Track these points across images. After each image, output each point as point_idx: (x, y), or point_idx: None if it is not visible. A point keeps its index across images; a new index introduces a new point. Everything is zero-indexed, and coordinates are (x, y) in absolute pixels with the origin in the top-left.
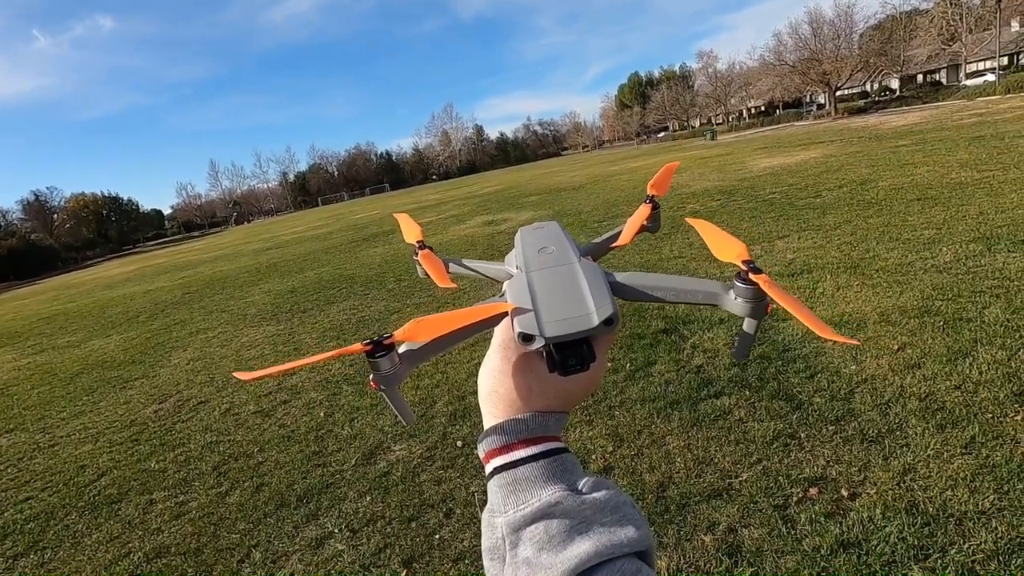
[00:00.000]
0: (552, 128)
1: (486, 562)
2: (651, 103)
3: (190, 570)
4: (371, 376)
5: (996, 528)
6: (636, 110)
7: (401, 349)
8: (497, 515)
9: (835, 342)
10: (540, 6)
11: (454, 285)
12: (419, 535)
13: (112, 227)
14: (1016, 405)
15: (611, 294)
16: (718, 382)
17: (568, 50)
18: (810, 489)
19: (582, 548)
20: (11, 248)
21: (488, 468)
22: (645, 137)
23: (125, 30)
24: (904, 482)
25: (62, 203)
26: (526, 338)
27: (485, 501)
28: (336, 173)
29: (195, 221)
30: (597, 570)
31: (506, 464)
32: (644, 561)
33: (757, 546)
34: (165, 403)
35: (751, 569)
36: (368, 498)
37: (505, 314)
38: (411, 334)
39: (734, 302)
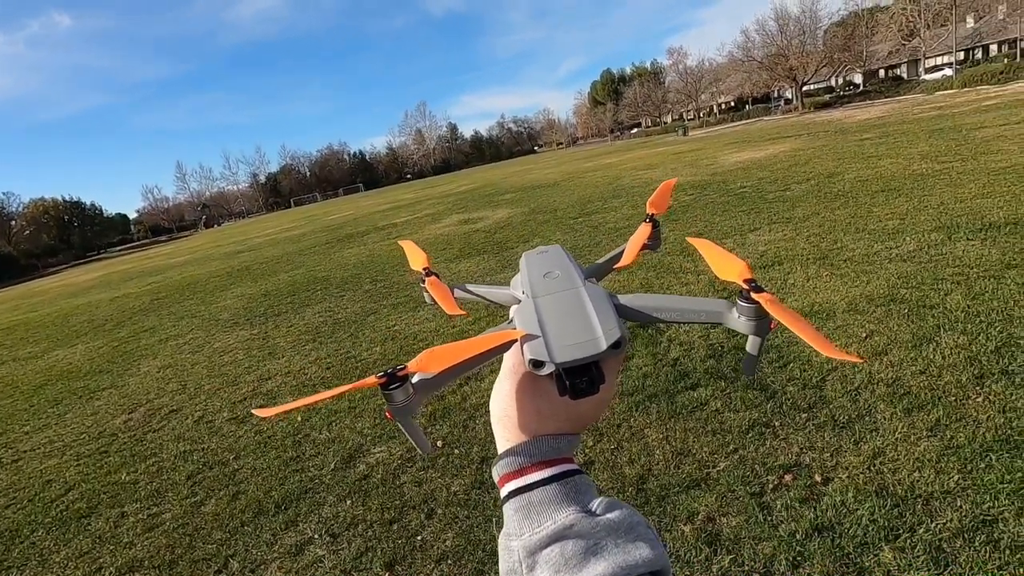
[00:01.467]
0: (526, 125)
1: None
2: (624, 100)
3: None
4: (386, 407)
5: (961, 507)
6: (609, 107)
7: (415, 379)
8: (513, 539)
9: (843, 360)
10: (510, 0)
11: (463, 312)
12: (401, 537)
13: (75, 233)
14: (977, 387)
15: (618, 317)
16: (694, 374)
17: (540, 46)
18: (785, 476)
19: (598, 569)
20: None
21: (503, 492)
22: (619, 134)
23: (83, 27)
24: (874, 465)
25: (20, 209)
26: (536, 364)
27: (469, 502)
28: (308, 174)
29: (163, 225)
30: None
31: (520, 488)
32: None
33: (735, 534)
34: (135, 413)
35: (730, 556)
36: (348, 502)
37: (515, 340)
38: (424, 365)
39: (737, 320)
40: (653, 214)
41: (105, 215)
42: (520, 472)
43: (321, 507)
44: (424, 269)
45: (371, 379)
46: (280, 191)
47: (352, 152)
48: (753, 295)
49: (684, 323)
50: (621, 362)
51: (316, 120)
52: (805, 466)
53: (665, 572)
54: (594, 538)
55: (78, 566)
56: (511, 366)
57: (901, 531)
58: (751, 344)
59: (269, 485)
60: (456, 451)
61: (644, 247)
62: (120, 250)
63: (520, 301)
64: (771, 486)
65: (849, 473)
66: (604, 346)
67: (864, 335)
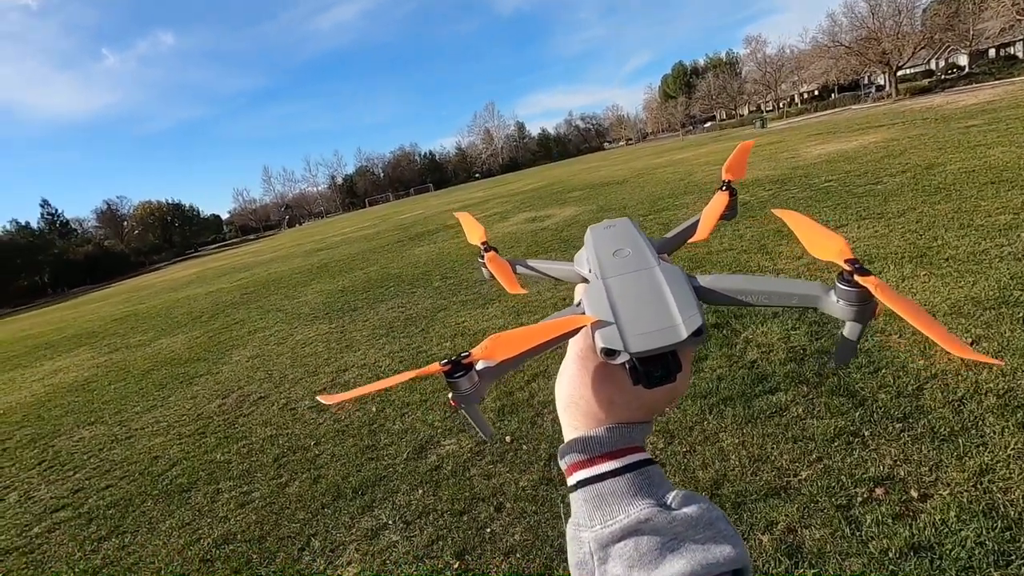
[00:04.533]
0: (594, 122)
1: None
2: (696, 92)
3: (255, 556)
4: (450, 395)
5: None
6: (681, 100)
7: (479, 366)
8: (583, 530)
9: (971, 360)
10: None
11: (524, 291)
12: (471, 528)
13: (176, 232)
14: None
15: (697, 301)
16: (773, 378)
17: (608, 43)
18: (876, 489)
19: (676, 567)
20: (87, 254)
21: (571, 480)
22: (691, 127)
23: (183, 44)
24: (981, 483)
25: (131, 211)
26: (609, 353)
27: (537, 497)
28: (382, 175)
29: (251, 225)
30: None
31: (591, 477)
32: None
33: (819, 547)
34: (228, 398)
35: (813, 570)
36: (420, 491)
37: (584, 326)
38: (489, 352)
39: (836, 305)
40: (730, 180)
41: (201, 216)
42: (590, 461)
43: (395, 495)
44: (483, 243)
45: (435, 366)
46: (355, 192)
47: (422, 153)
48: (858, 278)
49: (772, 307)
50: (695, 349)
51: (389, 123)
52: (899, 480)
53: (747, 571)
54: (671, 534)
55: (181, 535)
56: (579, 351)
57: (1014, 556)
58: (849, 331)
59: (347, 471)
60: (524, 447)
61: (721, 217)
62: (214, 248)
63: (584, 279)
64: (860, 499)
65: (951, 490)
66: (684, 335)
67: (970, 340)
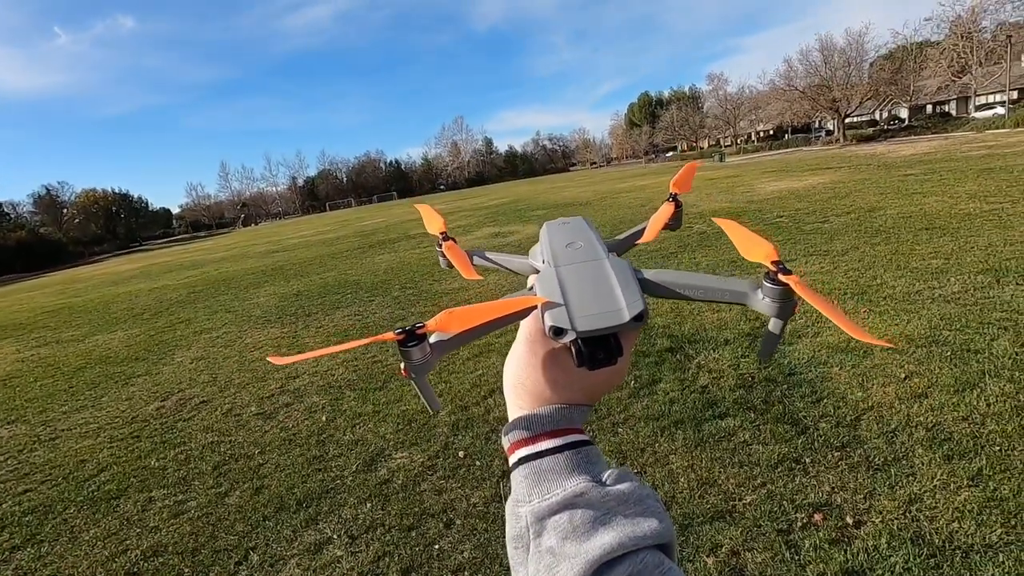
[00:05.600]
0: (561, 143)
1: (510, 550)
2: (660, 122)
3: (187, 570)
4: (402, 364)
5: (1003, 563)
6: (645, 129)
7: (432, 339)
8: (522, 504)
9: (873, 346)
10: (553, 23)
11: (479, 277)
12: (418, 544)
13: (121, 224)
14: None
15: (641, 290)
16: (723, 403)
17: (579, 67)
18: (815, 515)
19: (606, 539)
20: (19, 240)
21: (512, 459)
22: (653, 156)
23: (145, 30)
24: (910, 512)
25: (72, 198)
26: (557, 332)
27: (488, 515)
28: (345, 179)
29: (203, 221)
30: (620, 561)
31: (531, 455)
32: (666, 554)
33: (760, 570)
34: (167, 401)
35: None
36: (368, 505)
37: (534, 307)
38: (443, 325)
39: (761, 302)
40: (676, 194)
41: (150, 208)
42: (532, 440)
43: (341, 508)
44: (441, 233)
45: (390, 334)
46: (317, 195)
47: (388, 160)
48: (780, 276)
49: (707, 301)
50: (636, 336)
51: (356, 128)
52: (836, 506)
53: (671, 545)
54: (603, 508)
55: (106, 546)
56: (528, 333)
57: None
58: (772, 326)
59: (292, 482)
60: (478, 463)
61: (666, 226)
62: (161, 243)
63: (537, 271)
64: (799, 524)
65: (883, 517)
66: (627, 317)
67: (903, 376)
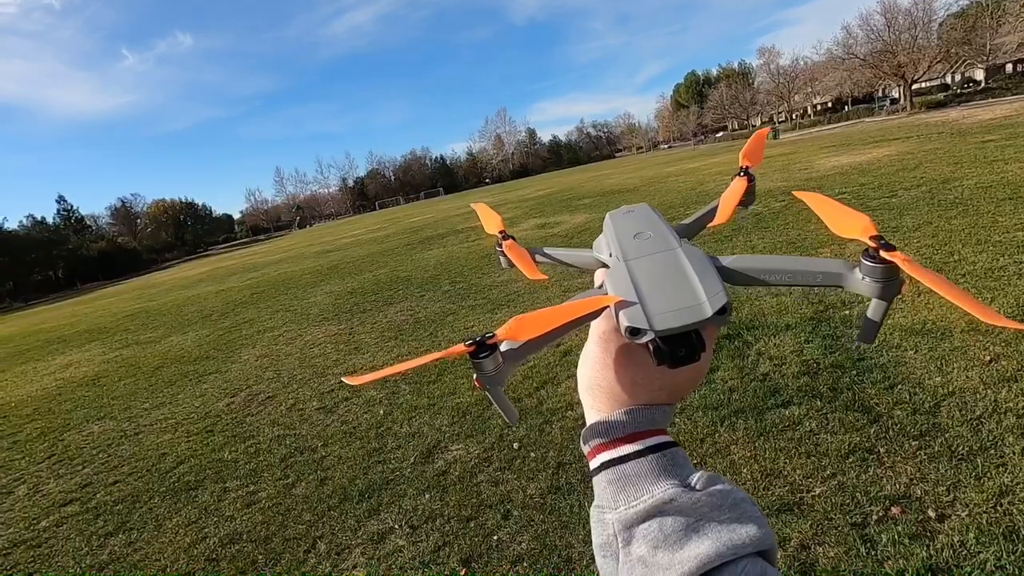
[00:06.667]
0: (605, 130)
1: (598, 559)
2: (709, 102)
3: (260, 557)
4: (475, 376)
5: None
6: (693, 110)
7: (503, 347)
8: (607, 511)
9: (1005, 328)
10: (592, 8)
11: (544, 277)
12: (477, 535)
13: (188, 231)
14: None
15: (721, 280)
16: (786, 391)
17: (621, 51)
18: (892, 508)
19: (701, 548)
20: (101, 250)
21: (594, 463)
22: (702, 137)
23: (202, 46)
24: (1001, 505)
25: (145, 209)
26: (634, 332)
27: (545, 506)
28: (392, 178)
29: (262, 225)
30: (719, 572)
31: (614, 459)
32: (767, 561)
33: (833, 565)
34: (236, 397)
35: None
36: (427, 496)
37: (607, 307)
38: (513, 333)
39: (861, 282)
40: (748, 167)
41: (214, 215)
42: (613, 443)
43: (402, 499)
44: (500, 232)
45: (460, 347)
46: (366, 194)
47: (433, 157)
48: (883, 253)
49: (795, 286)
50: (718, 330)
51: (401, 127)
52: (916, 499)
53: (772, 551)
54: (695, 514)
55: (187, 533)
56: (601, 332)
57: None
58: (874, 309)
59: (354, 473)
60: (532, 454)
61: (740, 203)
62: (225, 247)
63: (604, 264)
64: (875, 518)
65: (970, 511)
66: (710, 312)
67: (988, 359)
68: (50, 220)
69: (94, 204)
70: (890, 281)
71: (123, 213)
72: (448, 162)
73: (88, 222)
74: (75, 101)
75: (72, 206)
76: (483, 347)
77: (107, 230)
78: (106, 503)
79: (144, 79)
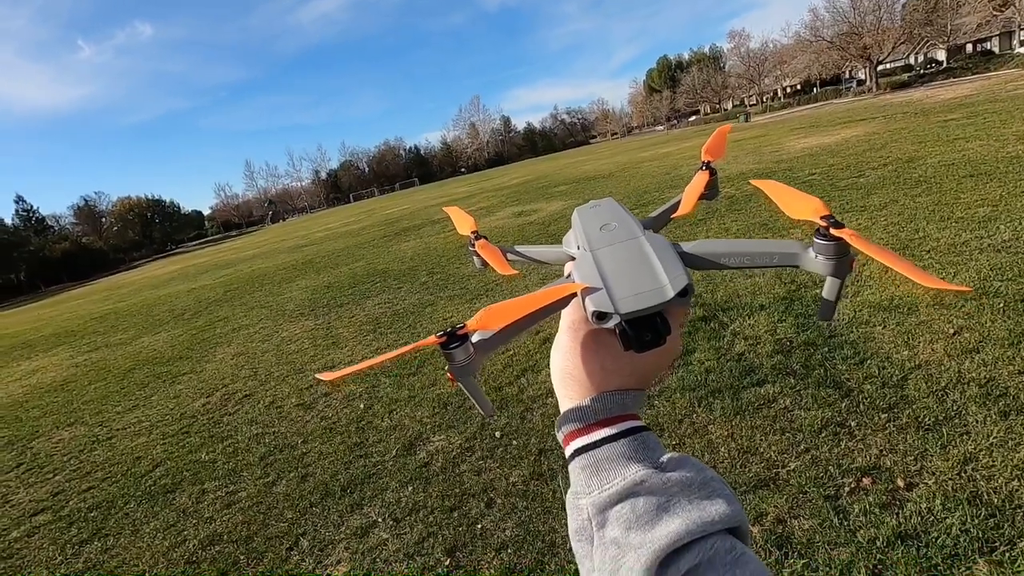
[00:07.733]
0: (580, 116)
1: (574, 544)
2: (681, 87)
3: (242, 557)
4: (447, 368)
5: None
6: (666, 94)
7: (474, 338)
8: (581, 496)
9: (945, 292)
10: None
11: (516, 272)
12: (461, 525)
13: (156, 228)
14: None
15: (683, 264)
16: (760, 370)
17: (593, 36)
18: (863, 479)
19: (671, 526)
20: (65, 251)
21: (568, 450)
22: (675, 122)
23: (162, 36)
24: (965, 472)
25: (109, 207)
26: (600, 316)
27: (528, 493)
28: (367, 169)
29: (233, 220)
30: (688, 549)
31: (586, 445)
32: (737, 538)
33: (808, 537)
34: (212, 397)
35: (802, 561)
36: (410, 488)
37: (575, 294)
38: (483, 323)
39: (815, 261)
40: (709, 161)
41: (182, 212)
42: (586, 430)
43: (384, 492)
44: (473, 233)
45: (431, 339)
46: (340, 187)
47: (408, 147)
48: (833, 231)
49: (754, 268)
50: (686, 313)
51: (374, 117)
52: (886, 469)
53: (743, 528)
54: (666, 494)
55: (165, 537)
56: (571, 322)
57: (999, 543)
58: (829, 287)
59: (335, 469)
60: (514, 442)
61: (702, 196)
62: (195, 244)
63: (573, 258)
64: (847, 489)
65: (936, 479)
66: (671, 294)
67: (952, 331)
68: (8, 221)
69: (55, 204)
70: (842, 258)
71: (87, 212)
72: (423, 152)
73: (50, 222)
74: (28, 94)
75: (32, 206)
76: (454, 337)
77: (71, 230)
78: (80, 510)
79: (103, 70)
